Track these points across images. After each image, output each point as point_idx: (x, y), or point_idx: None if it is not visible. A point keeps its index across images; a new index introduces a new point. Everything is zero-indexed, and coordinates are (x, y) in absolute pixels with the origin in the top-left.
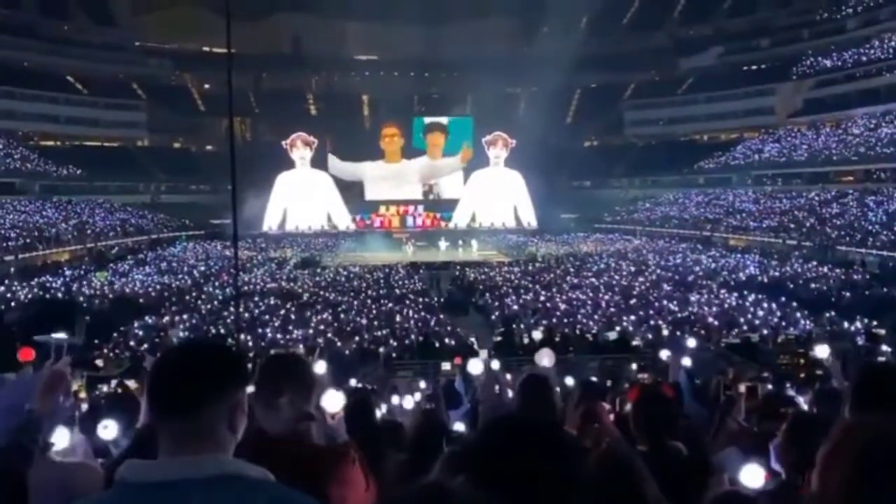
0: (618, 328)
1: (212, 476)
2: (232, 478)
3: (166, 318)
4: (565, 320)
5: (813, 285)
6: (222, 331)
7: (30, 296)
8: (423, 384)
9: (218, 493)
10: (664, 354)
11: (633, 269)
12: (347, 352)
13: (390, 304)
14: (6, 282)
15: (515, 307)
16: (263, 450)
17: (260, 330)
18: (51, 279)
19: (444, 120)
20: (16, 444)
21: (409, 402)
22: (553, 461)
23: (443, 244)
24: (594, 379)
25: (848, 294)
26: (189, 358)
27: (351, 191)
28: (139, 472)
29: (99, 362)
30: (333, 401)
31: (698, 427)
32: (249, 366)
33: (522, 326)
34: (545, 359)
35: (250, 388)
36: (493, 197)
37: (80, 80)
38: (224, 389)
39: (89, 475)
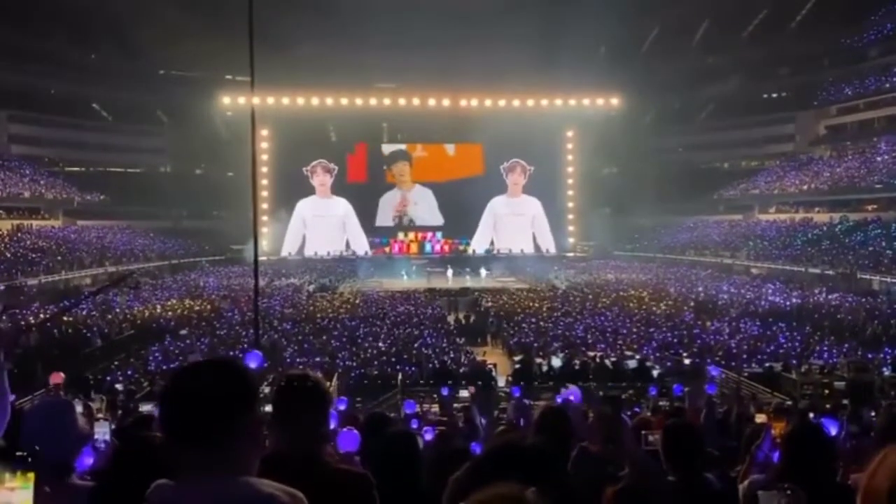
0: (637, 356)
1: (245, 499)
2: (262, 501)
3: (186, 342)
4: (584, 348)
5: (838, 315)
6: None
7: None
8: (435, 410)
9: None
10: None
11: (652, 296)
12: (365, 377)
13: (408, 330)
14: (32, 306)
15: (534, 334)
16: (283, 472)
17: (278, 354)
18: (75, 300)
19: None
20: None
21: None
22: (544, 487)
23: (450, 272)
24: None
25: (873, 323)
26: (202, 386)
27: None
28: (170, 496)
29: (119, 386)
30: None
31: (723, 456)
32: (266, 388)
33: (541, 354)
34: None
35: (268, 408)
36: (511, 223)
37: (105, 107)
38: (243, 412)
39: None
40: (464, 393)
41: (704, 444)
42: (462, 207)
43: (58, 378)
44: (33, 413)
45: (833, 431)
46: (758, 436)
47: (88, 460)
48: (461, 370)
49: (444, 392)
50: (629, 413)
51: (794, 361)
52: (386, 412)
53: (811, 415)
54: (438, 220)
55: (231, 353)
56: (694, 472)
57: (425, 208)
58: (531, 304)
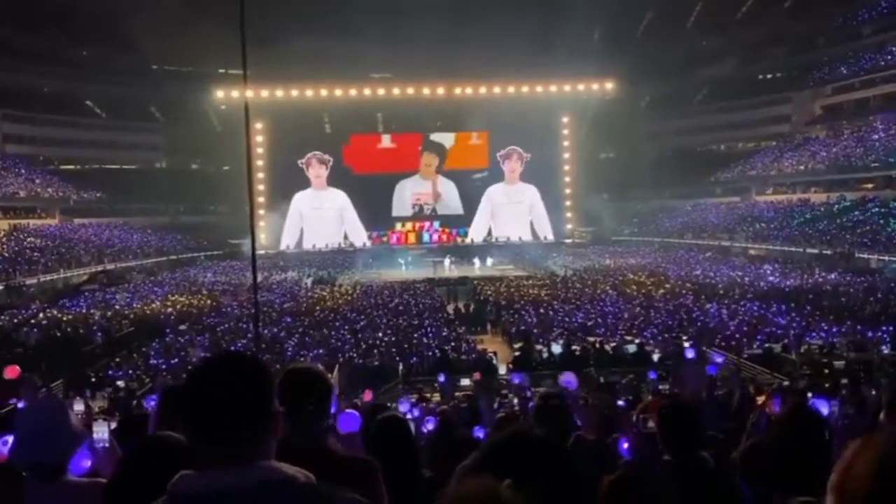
0: (637, 341)
1: (266, 482)
2: (285, 483)
3: (186, 338)
4: (583, 334)
5: (835, 294)
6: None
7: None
8: (436, 399)
9: (274, 497)
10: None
11: (652, 280)
12: (366, 368)
13: (408, 320)
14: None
15: (533, 321)
16: (292, 462)
17: (279, 347)
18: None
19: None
20: None
21: (431, 424)
22: (550, 478)
23: (447, 262)
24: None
25: (871, 302)
26: (229, 383)
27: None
28: (195, 485)
29: (120, 383)
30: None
31: (722, 438)
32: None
33: (541, 340)
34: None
35: None
36: (509, 211)
37: (99, 104)
38: (269, 404)
39: (96, 492)
40: (465, 381)
41: (701, 423)
42: (476, 197)
43: (13, 372)
44: (26, 414)
45: (825, 411)
46: (759, 416)
47: (86, 462)
48: (462, 358)
49: (441, 379)
50: (630, 398)
51: (794, 342)
52: (387, 403)
53: (809, 395)
54: (460, 209)
55: (232, 347)
56: (691, 451)
57: (452, 198)
58: (530, 291)
